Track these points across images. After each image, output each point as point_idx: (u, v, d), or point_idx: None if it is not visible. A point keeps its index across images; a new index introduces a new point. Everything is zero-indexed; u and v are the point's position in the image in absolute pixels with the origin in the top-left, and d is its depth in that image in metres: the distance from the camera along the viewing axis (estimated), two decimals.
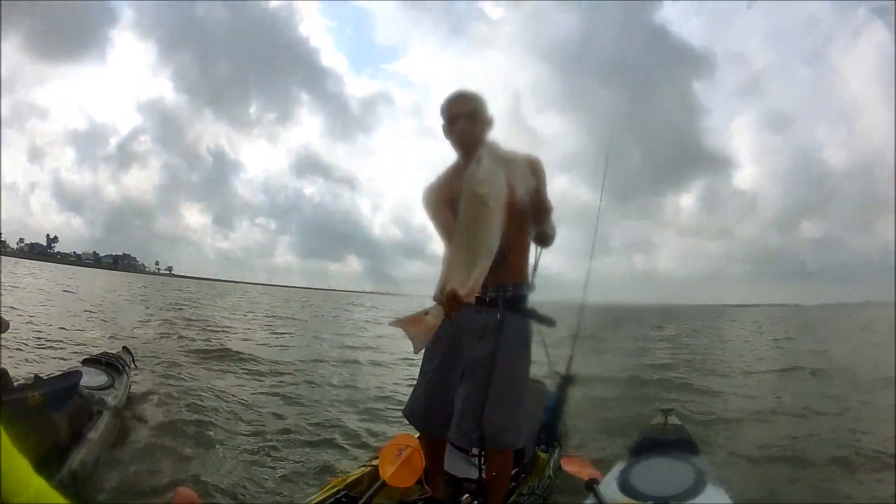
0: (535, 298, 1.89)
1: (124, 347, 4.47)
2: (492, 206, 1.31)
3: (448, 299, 1.34)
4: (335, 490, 2.00)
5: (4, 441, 1.21)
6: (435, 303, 1.39)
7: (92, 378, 3.40)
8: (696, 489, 1.82)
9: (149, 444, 3.25)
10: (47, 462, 2.19)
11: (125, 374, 3.83)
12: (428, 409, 1.88)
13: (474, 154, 1.48)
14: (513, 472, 2.21)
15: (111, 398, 3.26)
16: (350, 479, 2.09)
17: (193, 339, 8.20)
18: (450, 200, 1.70)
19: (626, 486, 1.91)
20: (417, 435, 2.04)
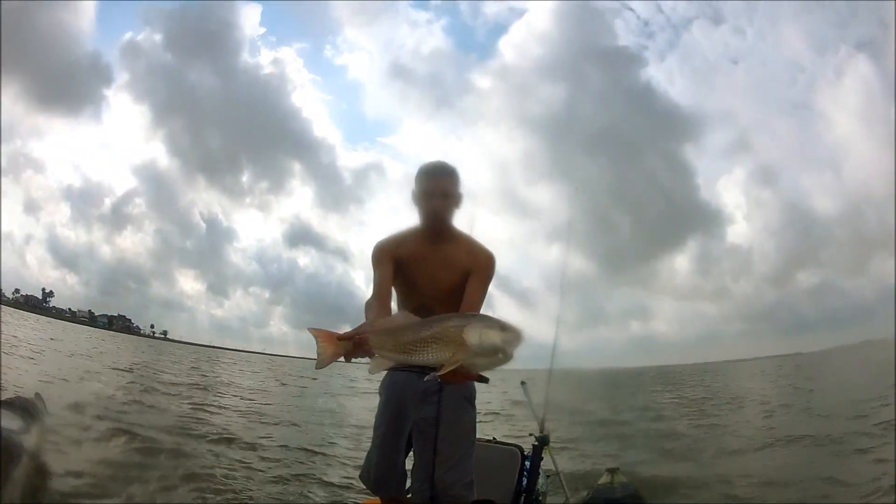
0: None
1: (36, 394, 4.35)
2: (477, 356, 1.33)
3: (357, 344, 1.42)
4: None
5: None
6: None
7: (9, 420, 3.31)
8: None
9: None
10: None
11: (40, 421, 3.75)
12: (380, 472, 1.88)
13: (439, 228, 1.76)
14: None
15: (28, 442, 3.21)
16: None
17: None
18: (395, 259, 1.82)
19: None
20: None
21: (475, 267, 1.79)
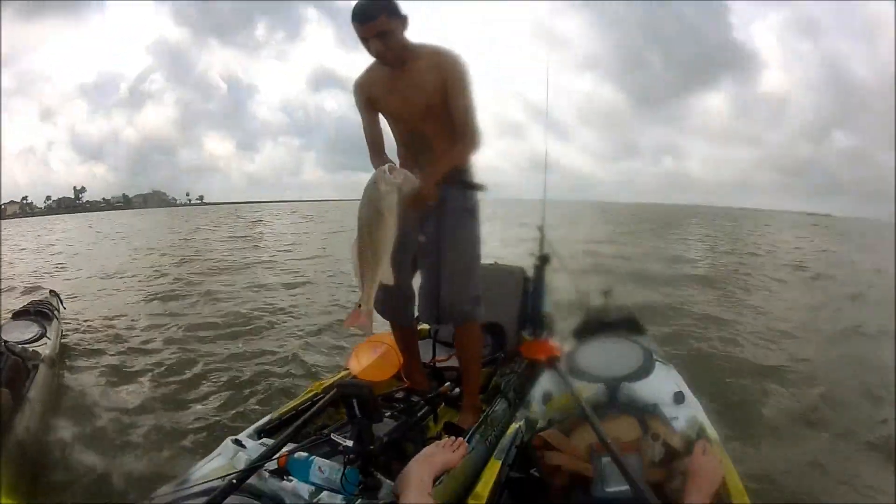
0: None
1: (51, 291, 4.40)
2: (387, 215, 1.39)
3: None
4: (312, 393, 2.01)
5: None
6: (360, 291, 1.47)
7: (22, 331, 3.37)
8: (646, 369, 1.81)
9: (91, 389, 3.29)
10: None
11: (55, 320, 3.79)
12: (387, 300, 1.82)
13: (393, 63, 1.69)
14: (496, 356, 2.31)
15: (45, 348, 3.24)
16: (328, 383, 2.09)
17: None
18: (370, 100, 1.81)
19: (574, 369, 1.88)
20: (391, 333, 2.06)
21: (447, 78, 1.69)
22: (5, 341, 2.98)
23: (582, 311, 2.43)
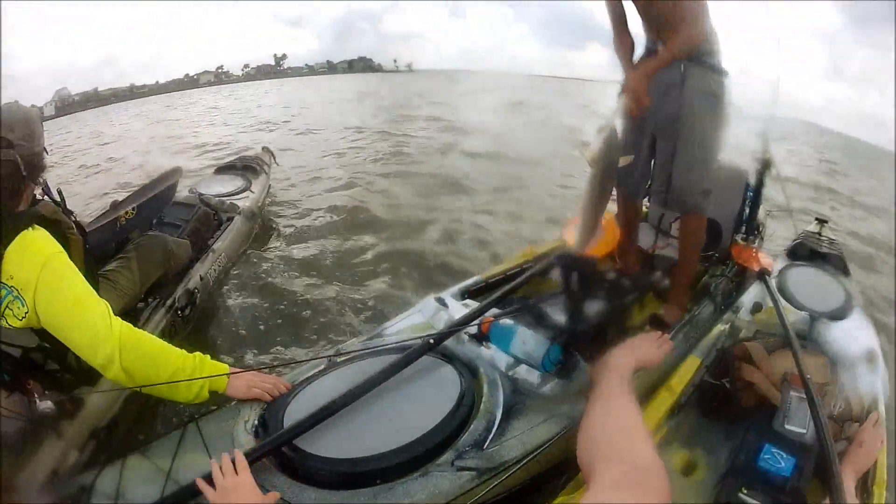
0: None
1: (264, 148, 4.26)
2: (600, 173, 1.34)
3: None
4: (523, 259, 2.07)
5: (72, 284, 1.10)
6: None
7: (224, 185, 3.25)
8: (845, 310, 1.78)
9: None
10: (163, 287, 1.95)
11: (264, 174, 3.64)
12: (625, 170, 1.67)
13: None
14: (709, 254, 2.26)
15: (245, 201, 3.08)
16: (541, 252, 2.10)
17: None
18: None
19: (783, 290, 1.87)
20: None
21: None
22: (200, 193, 2.89)
23: (795, 233, 2.35)
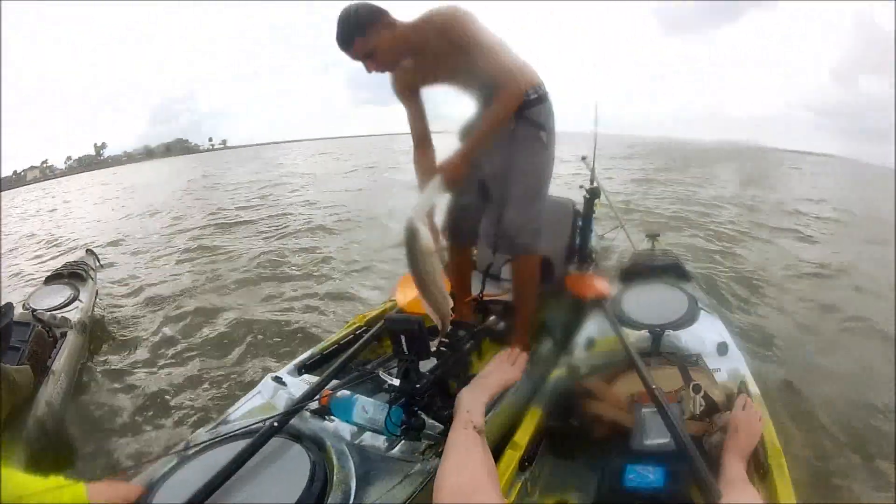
0: None
1: (88, 250, 4.39)
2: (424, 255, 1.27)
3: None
4: (355, 326, 2.01)
5: None
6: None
7: (53, 297, 3.34)
8: (691, 317, 1.80)
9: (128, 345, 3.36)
10: (11, 421, 2.00)
11: (90, 280, 3.74)
12: (452, 222, 1.87)
13: (393, 65, 1.62)
14: (542, 291, 2.23)
15: (76, 313, 3.19)
16: (371, 316, 2.09)
17: None
18: (407, 88, 1.75)
19: (620, 314, 1.86)
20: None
21: (450, 39, 1.55)
22: (33, 310, 2.95)
23: (628, 252, 2.36)
